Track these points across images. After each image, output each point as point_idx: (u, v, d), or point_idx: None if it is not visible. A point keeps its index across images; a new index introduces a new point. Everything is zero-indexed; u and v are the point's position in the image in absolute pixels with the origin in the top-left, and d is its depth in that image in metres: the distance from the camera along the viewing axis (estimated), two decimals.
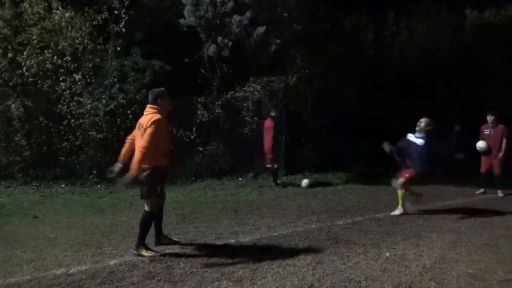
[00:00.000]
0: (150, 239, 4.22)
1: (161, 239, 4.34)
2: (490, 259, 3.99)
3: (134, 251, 4.01)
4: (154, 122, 3.86)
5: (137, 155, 3.81)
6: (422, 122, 5.90)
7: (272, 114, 8.40)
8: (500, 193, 7.60)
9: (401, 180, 5.77)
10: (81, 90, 8.22)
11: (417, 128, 5.91)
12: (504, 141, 7.41)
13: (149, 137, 3.82)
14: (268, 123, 8.21)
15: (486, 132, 7.62)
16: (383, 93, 10.86)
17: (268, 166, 8.37)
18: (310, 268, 3.66)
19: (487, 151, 7.51)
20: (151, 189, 3.98)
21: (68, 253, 4.03)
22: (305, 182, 8.32)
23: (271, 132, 8.11)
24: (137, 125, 4.09)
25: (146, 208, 4.07)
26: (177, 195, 7.27)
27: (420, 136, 5.82)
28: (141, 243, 4.01)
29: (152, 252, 3.98)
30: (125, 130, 8.23)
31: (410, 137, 5.96)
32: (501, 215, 6.02)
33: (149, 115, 3.97)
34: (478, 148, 7.60)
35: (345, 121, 10.15)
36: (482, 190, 7.78)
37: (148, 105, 4.06)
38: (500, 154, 7.41)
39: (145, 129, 3.86)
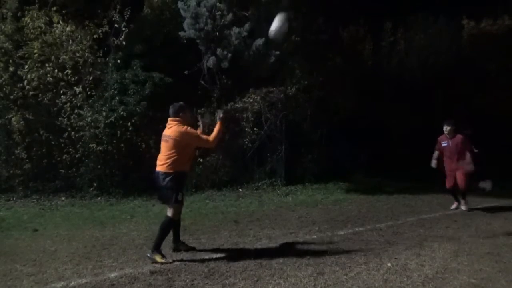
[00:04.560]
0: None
1: (179, 245, 4.46)
2: (492, 269, 3.98)
3: (148, 255, 4.08)
4: (186, 130, 4.19)
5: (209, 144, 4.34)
6: None
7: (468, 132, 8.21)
8: (463, 206, 6.99)
9: None
10: (81, 103, 8.25)
11: None
12: (468, 154, 6.87)
13: (198, 138, 4.29)
14: (461, 138, 7.56)
15: (444, 144, 7.06)
16: (382, 103, 10.90)
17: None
18: (311, 279, 3.64)
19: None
20: (175, 194, 4.12)
21: (68, 266, 4.02)
22: (488, 185, 8.68)
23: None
24: (162, 138, 4.29)
25: (169, 213, 4.19)
26: None
27: None
28: (157, 248, 4.09)
29: (165, 259, 4.05)
30: (125, 142, 8.26)
31: None
32: (502, 224, 6.00)
33: (174, 127, 4.21)
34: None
35: (345, 131, 10.16)
36: (456, 204, 7.21)
37: (170, 119, 4.30)
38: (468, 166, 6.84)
39: (174, 139, 4.14)
